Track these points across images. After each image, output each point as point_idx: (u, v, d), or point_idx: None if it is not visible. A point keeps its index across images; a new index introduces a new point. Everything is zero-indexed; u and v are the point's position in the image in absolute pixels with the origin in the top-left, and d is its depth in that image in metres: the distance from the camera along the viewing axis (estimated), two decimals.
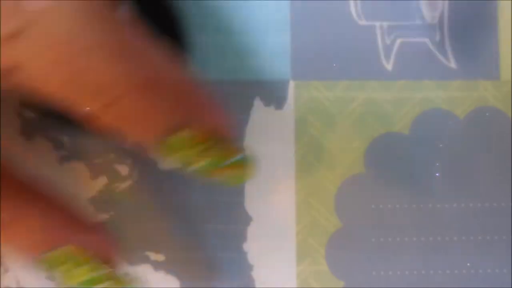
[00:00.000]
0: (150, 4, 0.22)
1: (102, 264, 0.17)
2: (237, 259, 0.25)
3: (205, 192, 0.26)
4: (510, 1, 0.27)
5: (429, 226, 0.26)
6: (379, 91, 0.26)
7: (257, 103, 0.26)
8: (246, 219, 0.26)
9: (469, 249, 0.26)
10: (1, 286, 0.25)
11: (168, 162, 0.19)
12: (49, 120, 0.25)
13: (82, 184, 0.25)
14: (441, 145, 0.26)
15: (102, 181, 0.26)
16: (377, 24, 0.26)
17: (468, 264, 0.26)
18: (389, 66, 0.26)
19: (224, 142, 0.16)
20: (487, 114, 0.26)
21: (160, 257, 0.25)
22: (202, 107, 0.16)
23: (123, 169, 0.26)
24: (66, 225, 0.17)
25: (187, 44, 0.24)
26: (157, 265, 0.25)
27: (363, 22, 0.26)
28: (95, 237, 0.18)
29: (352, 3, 0.26)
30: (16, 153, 0.26)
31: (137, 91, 0.13)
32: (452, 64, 0.26)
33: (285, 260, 0.25)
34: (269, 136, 0.26)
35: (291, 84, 0.26)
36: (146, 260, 0.25)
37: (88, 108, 0.12)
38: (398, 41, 0.26)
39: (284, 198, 0.26)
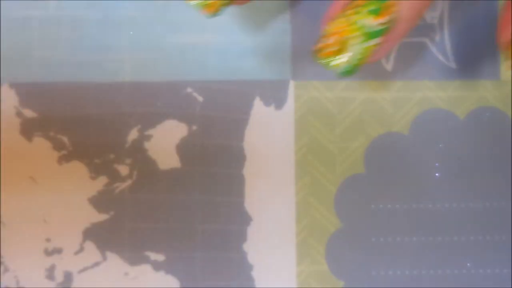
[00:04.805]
0: None
1: None
2: (237, 259, 0.25)
3: (205, 192, 0.26)
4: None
5: (429, 226, 0.26)
6: (378, 91, 0.26)
7: (257, 103, 0.26)
8: (246, 219, 0.26)
9: (469, 249, 0.26)
10: (1, 286, 0.25)
11: None
12: None
13: (82, 184, 0.26)
14: (441, 145, 0.26)
15: (102, 181, 0.26)
16: None
17: (468, 264, 0.26)
18: (388, 66, 0.26)
19: None
20: (487, 114, 0.26)
21: (160, 257, 0.25)
22: None
23: (123, 169, 0.26)
24: None
25: None
26: (157, 265, 0.25)
27: None
28: None
29: None
30: (16, 153, 0.26)
31: None
32: (452, 64, 0.26)
33: (285, 260, 0.25)
34: (269, 136, 0.26)
35: (291, 84, 0.26)
36: (146, 260, 0.25)
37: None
38: None
39: (284, 198, 0.26)
